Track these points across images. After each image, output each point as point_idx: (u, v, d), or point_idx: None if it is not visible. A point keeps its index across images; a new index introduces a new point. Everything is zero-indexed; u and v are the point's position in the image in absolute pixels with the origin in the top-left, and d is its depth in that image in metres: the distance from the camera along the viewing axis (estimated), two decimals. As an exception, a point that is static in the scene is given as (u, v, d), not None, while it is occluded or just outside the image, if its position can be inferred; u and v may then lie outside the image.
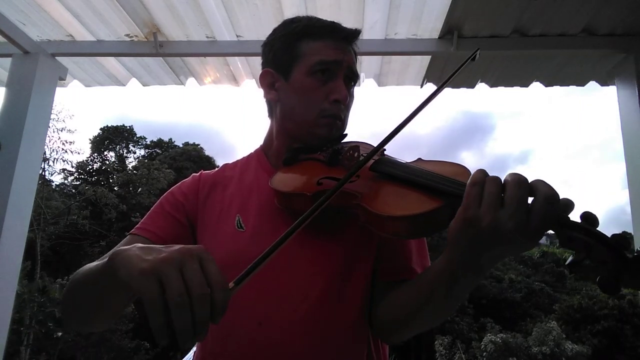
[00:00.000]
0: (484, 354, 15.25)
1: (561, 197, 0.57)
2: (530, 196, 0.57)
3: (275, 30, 0.98)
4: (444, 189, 0.67)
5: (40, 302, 8.84)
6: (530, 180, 0.58)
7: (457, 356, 15.95)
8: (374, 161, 0.82)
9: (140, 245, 0.57)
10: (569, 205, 0.57)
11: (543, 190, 0.55)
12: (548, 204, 0.55)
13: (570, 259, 0.55)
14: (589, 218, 0.54)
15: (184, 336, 0.48)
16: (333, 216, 0.86)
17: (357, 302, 0.85)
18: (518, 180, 0.57)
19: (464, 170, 0.74)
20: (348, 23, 0.97)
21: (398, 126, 0.75)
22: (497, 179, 0.60)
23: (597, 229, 0.54)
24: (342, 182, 0.68)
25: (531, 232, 0.55)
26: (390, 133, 0.75)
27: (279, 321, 0.80)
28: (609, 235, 0.53)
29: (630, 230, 2.07)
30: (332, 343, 0.81)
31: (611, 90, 2.28)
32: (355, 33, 0.95)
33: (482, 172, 0.61)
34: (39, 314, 8.70)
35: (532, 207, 0.55)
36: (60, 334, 8.33)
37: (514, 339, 15.59)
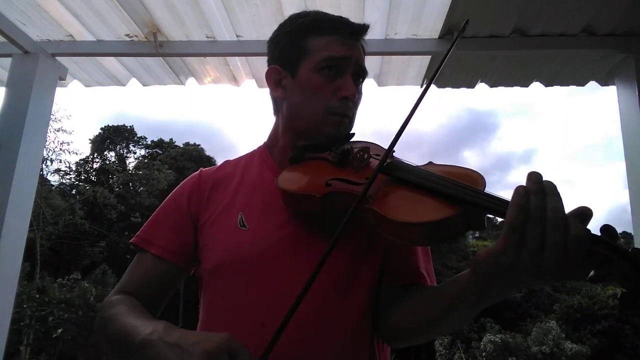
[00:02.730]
0: (484, 353, 15.25)
1: (579, 206, 0.56)
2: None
3: (281, 26, 0.96)
4: (459, 196, 0.65)
5: (40, 302, 8.85)
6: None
7: (456, 356, 15.96)
8: (386, 164, 0.80)
9: (164, 339, 0.63)
10: (588, 215, 0.56)
11: (575, 232, 0.53)
12: (584, 249, 0.53)
13: (591, 273, 0.54)
14: (609, 231, 0.54)
15: None
16: (341, 219, 0.86)
17: (360, 306, 0.84)
18: (562, 224, 0.54)
19: (478, 176, 0.72)
20: (348, 23, 0.96)
21: (405, 121, 0.75)
22: (540, 216, 0.55)
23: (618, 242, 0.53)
24: (358, 201, 0.68)
25: (569, 274, 0.55)
26: (399, 131, 0.75)
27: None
28: (629, 250, 0.52)
29: (630, 229, 2.07)
30: (333, 346, 0.80)
31: (612, 90, 2.28)
32: (363, 28, 0.93)
33: (522, 213, 0.55)
34: (39, 313, 8.72)
35: (570, 250, 0.53)
36: (60, 330, 8.35)
37: (513, 339, 15.59)
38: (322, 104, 0.88)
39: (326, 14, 0.94)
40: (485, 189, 0.67)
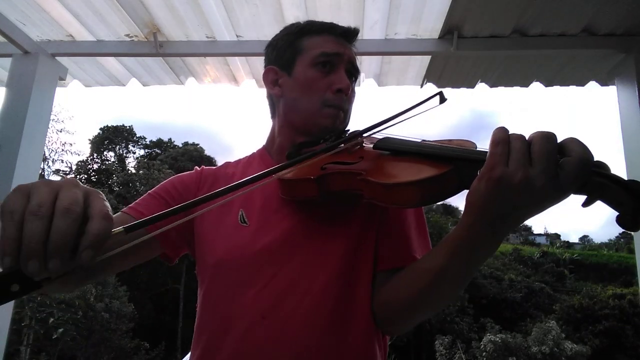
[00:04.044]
0: (484, 353, 15.26)
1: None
2: (561, 154, 0.56)
3: (277, 34, 1.02)
4: (450, 155, 0.67)
5: (40, 302, 8.86)
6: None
7: (457, 356, 15.96)
8: (377, 140, 0.83)
9: None
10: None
11: (578, 152, 0.55)
12: (583, 165, 0.54)
13: (584, 200, 0.57)
14: (602, 166, 0.56)
15: (31, 253, 0.42)
16: (337, 204, 0.86)
17: (364, 294, 0.84)
18: (546, 135, 0.57)
19: (468, 142, 0.74)
20: (348, 23, 0.98)
21: (392, 118, 0.77)
22: (521, 136, 0.59)
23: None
24: (326, 150, 0.70)
25: (564, 188, 0.56)
26: (384, 121, 0.77)
27: (283, 314, 0.79)
28: (626, 180, 0.55)
29: (630, 230, 2.07)
30: (339, 337, 0.80)
31: (612, 90, 2.28)
32: (354, 32, 0.98)
33: (503, 131, 0.60)
34: (40, 314, 8.72)
35: (566, 165, 0.55)
36: (60, 331, 8.36)
37: (513, 339, 15.59)
38: (318, 98, 0.92)
39: (319, 20, 0.99)
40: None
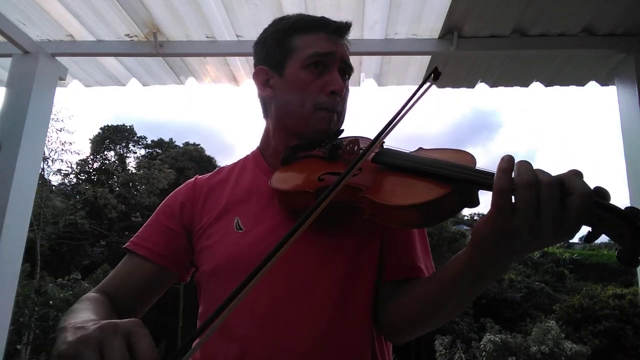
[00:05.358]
0: (484, 353, 15.24)
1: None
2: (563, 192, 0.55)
3: (266, 29, 0.98)
4: (450, 175, 0.66)
5: (40, 302, 8.86)
6: (560, 173, 0.56)
7: (456, 356, 15.95)
8: (375, 153, 0.80)
9: (75, 322, 0.56)
10: (580, 175, 0.56)
11: (580, 190, 0.53)
12: (586, 204, 0.53)
13: (586, 233, 0.56)
14: (601, 192, 0.55)
15: None
16: (337, 213, 0.84)
17: (363, 302, 0.84)
18: (549, 183, 0.55)
19: (468, 155, 0.73)
20: (348, 23, 0.97)
21: (397, 117, 0.75)
22: (529, 180, 0.55)
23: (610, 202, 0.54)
24: (340, 179, 0.67)
25: (568, 230, 0.55)
26: (389, 124, 0.75)
27: (282, 322, 0.79)
28: (623, 208, 0.53)
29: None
30: (336, 345, 0.79)
31: (612, 90, 2.28)
32: (346, 26, 0.95)
33: (507, 178, 0.57)
34: (39, 313, 8.72)
35: (569, 207, 0.54)
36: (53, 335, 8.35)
37: (513, 338, 15.58)
38: (311, 100, 0.89)
39: (309, 15, 0.96)
40: (476, 166, 0.68)
